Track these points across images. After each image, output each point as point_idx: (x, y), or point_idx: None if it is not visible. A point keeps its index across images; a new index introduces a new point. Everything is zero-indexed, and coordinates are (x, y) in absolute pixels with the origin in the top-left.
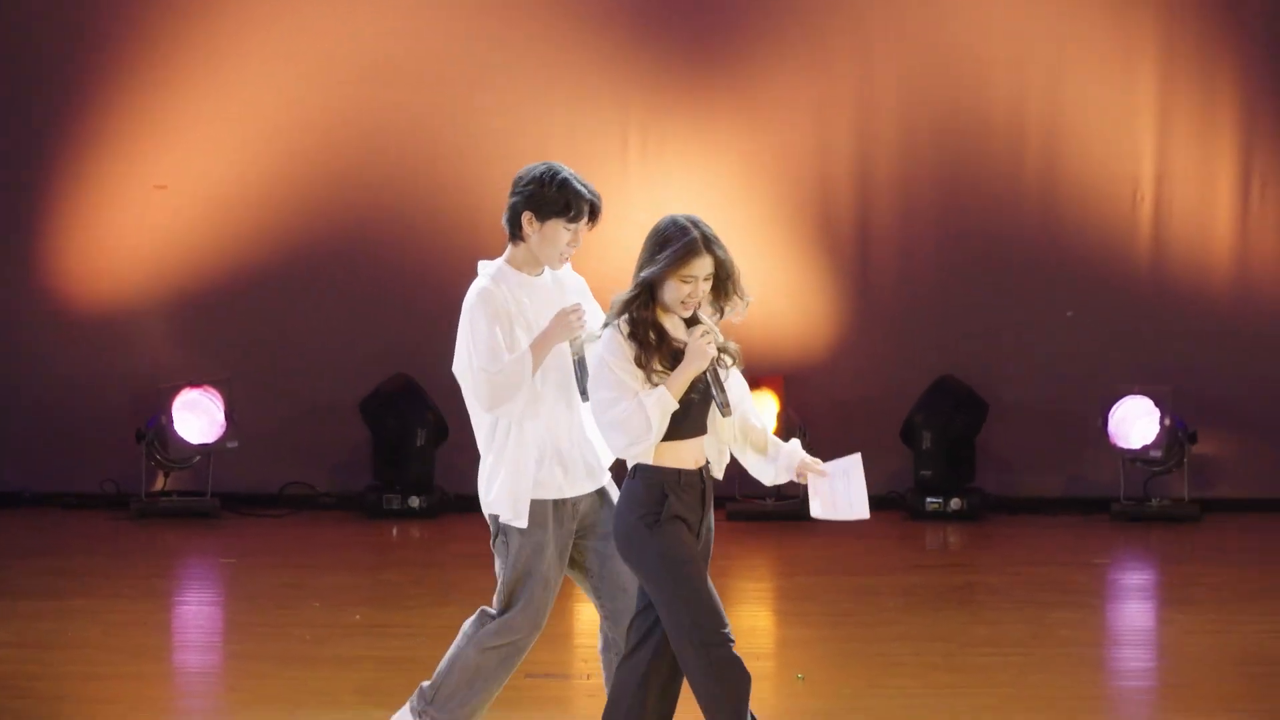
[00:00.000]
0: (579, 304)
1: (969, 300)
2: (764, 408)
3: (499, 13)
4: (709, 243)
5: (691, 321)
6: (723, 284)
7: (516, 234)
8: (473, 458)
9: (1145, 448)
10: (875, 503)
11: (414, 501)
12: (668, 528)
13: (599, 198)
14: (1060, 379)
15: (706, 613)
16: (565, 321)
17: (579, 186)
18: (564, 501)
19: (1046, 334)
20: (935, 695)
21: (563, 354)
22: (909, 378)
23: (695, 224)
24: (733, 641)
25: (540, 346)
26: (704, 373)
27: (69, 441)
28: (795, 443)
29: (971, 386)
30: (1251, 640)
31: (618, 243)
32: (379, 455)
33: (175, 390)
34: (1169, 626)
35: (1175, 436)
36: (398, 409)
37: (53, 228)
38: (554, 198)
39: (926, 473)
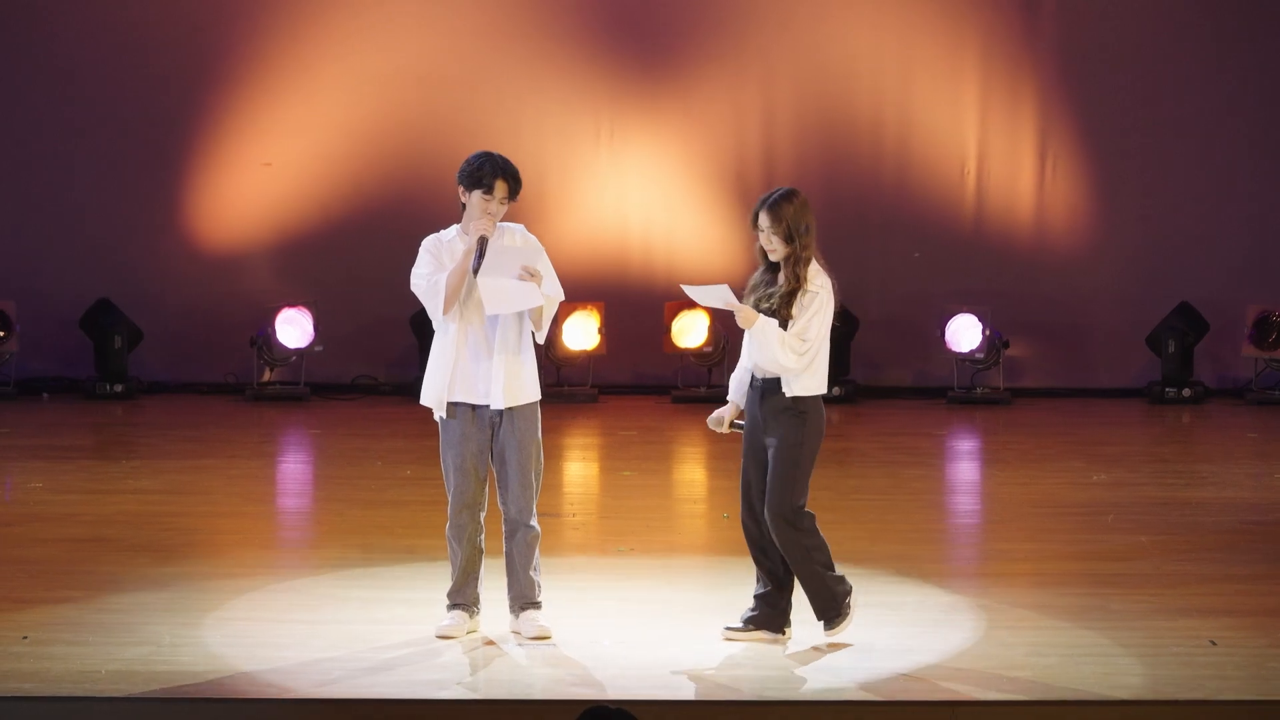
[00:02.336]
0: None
1: (846, 244)
2: (700, 323)
3: (509, 40)
4: None
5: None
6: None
7: (462, 205)
8: None
9: (971, 351)
10: None
11: None
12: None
13: (503, 172)
14: (910, 301)
15: None
16: (478, 225)
17: (485, 166)
18: (478, 407)
19: (900, 269)
20: (821, 528)
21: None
22: None
23: None
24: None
25: (457, 264)
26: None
27: (202, 345)
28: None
29: (846, 305)
30: (1046, 489)
31: (592, 200)
32: (423, 354)
33: (278, 309)
34: (989, 480)
35: (993, 343)
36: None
37: (192, 190)
38: (470, 175)
39: None
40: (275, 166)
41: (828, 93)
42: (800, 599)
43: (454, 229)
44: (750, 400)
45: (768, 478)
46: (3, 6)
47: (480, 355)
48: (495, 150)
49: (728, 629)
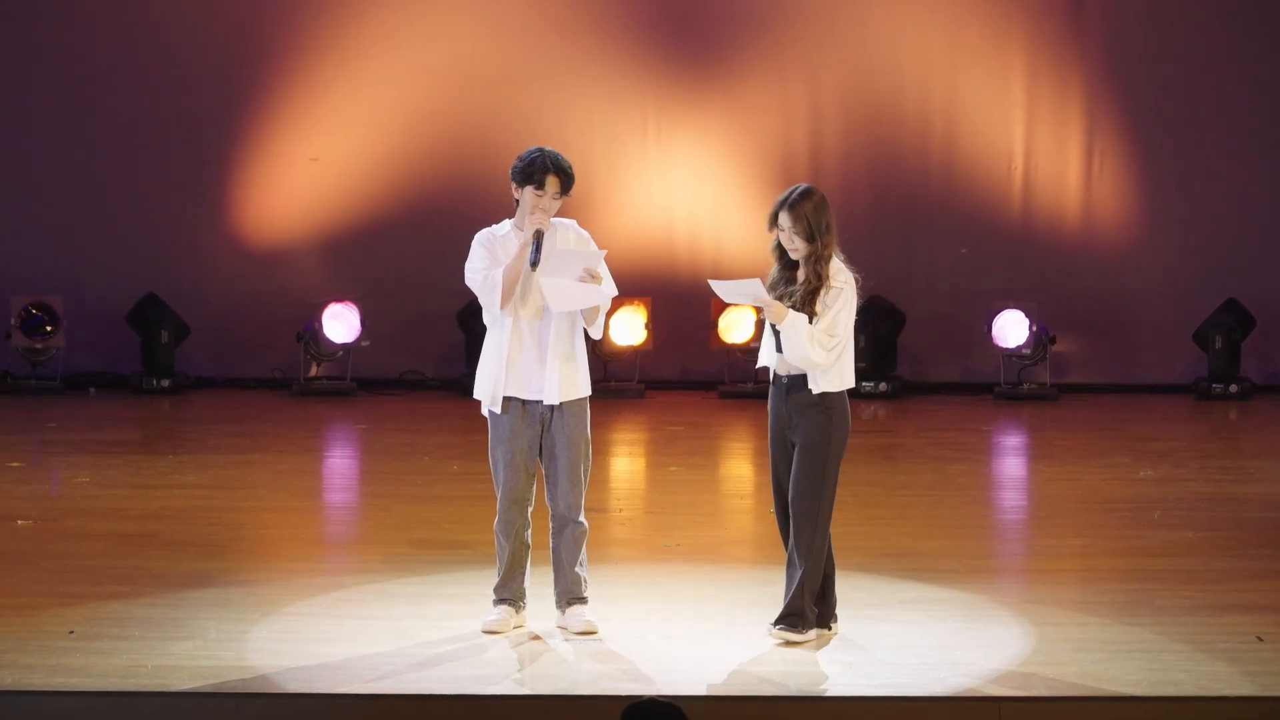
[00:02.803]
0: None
1: (893, 240)
2: (747, 318)
3: (556, 36)
4: None
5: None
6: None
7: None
8: None
9: (1018, 347)
10: None
11: None
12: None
13: (554, 167)
14: (957, 297)
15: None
16: (532, 220)
17: (536, 161)
18: (529, 402)
19: (946, 265)
20: (868, 524)
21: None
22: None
23: None
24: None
25: (512, 259)
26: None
27: (248, 340)
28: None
29: (893, 302)
30: (1093, 485)
31: (639, 195)
32: (470, 350)
33: (324, 304)
34: (1036, 475)
35: (1040, 339)
36: (482, 317)
37: (238, 185)
38: (521, 171)
39: (862, 364)
40: (322, 162)
41: (874, 88)
42: (842, 594)
43: (507, 224)
44: (774, 397)
45: (793, 473)
46: (50, 5)
47: (534, 350)
48: (544, 145)
49: (773, 625)
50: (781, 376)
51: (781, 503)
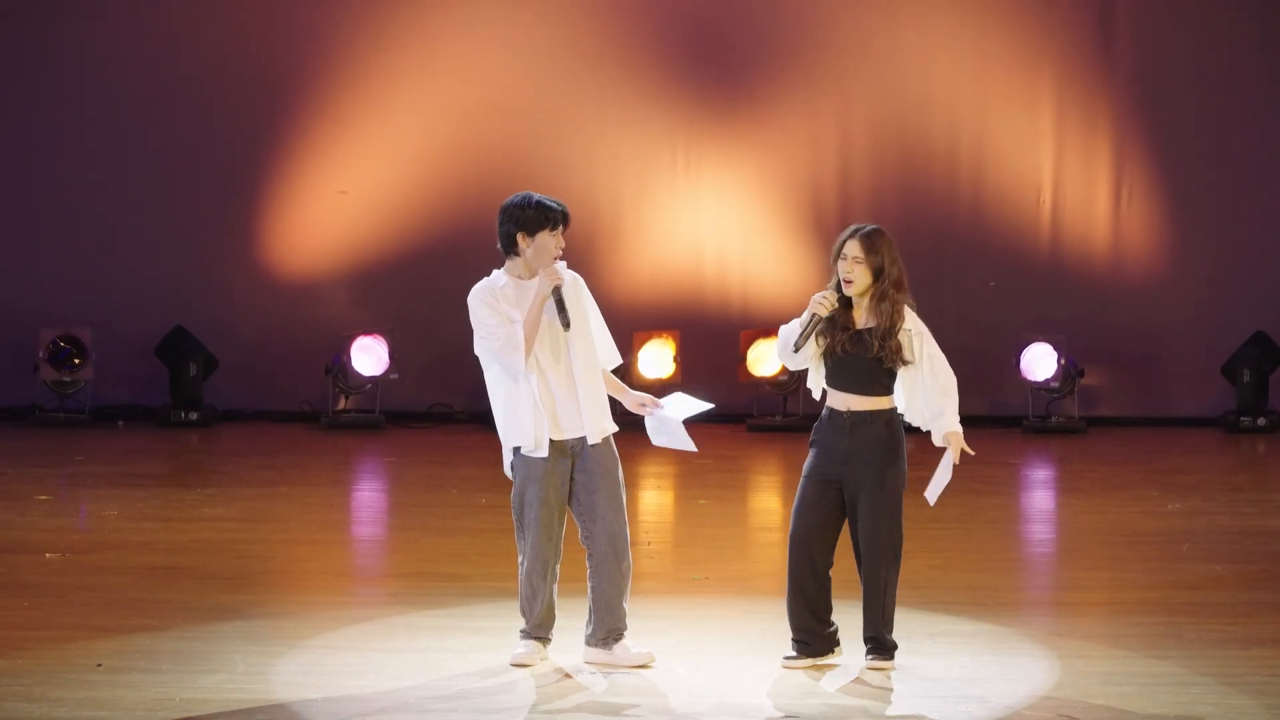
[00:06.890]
0: (557, 264)
1: (921, 274)
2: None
3: (586, 69)
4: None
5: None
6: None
7: (511, 250)
8: None
9: (1047, 380)
10: None
11: None
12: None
13: (565, 208)
14: (985, 330)
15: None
16: (549, 274)
17: (550, 203)
18: (559, 441)
19: (975, 298)
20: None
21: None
22: None
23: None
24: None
25: (530, 314)
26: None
27: (277, 372)
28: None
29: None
30: (1121, 518)
31: (668, 228)
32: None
33: (353, 337)
34: (1064, 509)
35: (1068, 372)
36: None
37: (267, 217)
38: (535, 216)
39: None
40: (350, 194)
41: (904, 121)
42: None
43: (499, 274)
44: (831, 433)
45: (870, 508)
46: (80, 37)
47: (565, 392)
48: (573, 178)
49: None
50: (841, 411)
51: (808, 556)
